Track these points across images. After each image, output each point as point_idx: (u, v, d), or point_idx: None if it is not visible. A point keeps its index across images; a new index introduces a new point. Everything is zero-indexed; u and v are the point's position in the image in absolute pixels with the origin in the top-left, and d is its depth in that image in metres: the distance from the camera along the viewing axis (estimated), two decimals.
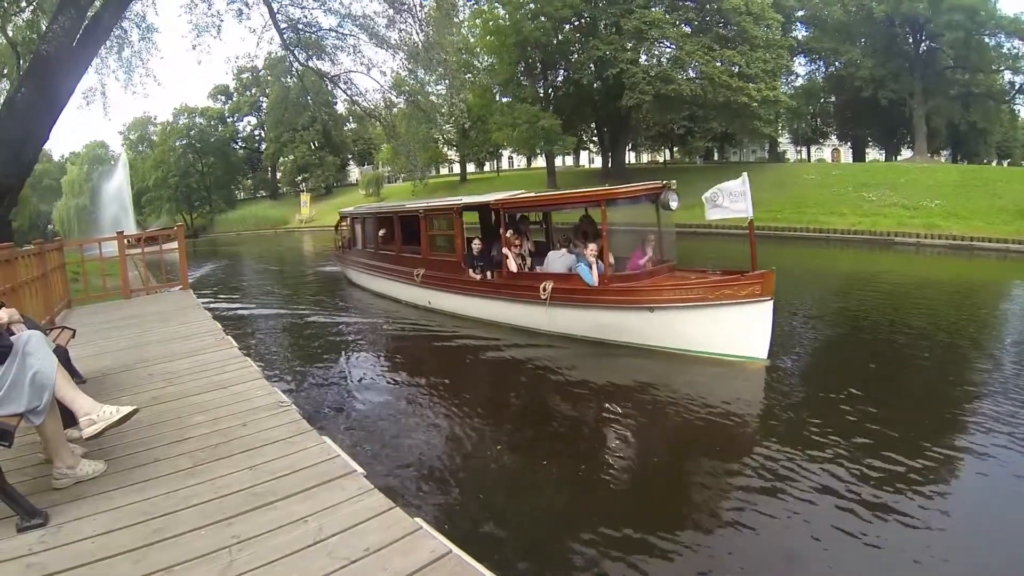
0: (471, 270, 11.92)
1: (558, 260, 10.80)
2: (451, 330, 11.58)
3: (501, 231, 11.55)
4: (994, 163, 51.91)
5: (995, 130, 49.73)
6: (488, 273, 11.75)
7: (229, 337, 7.81)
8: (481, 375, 9.37)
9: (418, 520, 3.24)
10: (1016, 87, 47.95)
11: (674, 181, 9.86)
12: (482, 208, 13.31)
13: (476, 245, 12.24)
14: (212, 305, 14.25)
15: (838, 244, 27.44)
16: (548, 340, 10.21)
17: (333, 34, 35.56)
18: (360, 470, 3.86)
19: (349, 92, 39.53)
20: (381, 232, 15.79)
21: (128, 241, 12.95)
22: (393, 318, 13.24)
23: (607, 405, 7.60)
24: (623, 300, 9.39)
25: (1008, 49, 45.59)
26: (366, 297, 16.14)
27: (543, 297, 10.08)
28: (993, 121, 47.84)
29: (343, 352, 10.85)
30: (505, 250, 11.18)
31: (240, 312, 15.34)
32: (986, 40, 44.26)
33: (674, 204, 9.78)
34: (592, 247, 9.86)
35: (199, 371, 6.21)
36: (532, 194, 12.59)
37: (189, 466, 3.99)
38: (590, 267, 9.73)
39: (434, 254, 13.31)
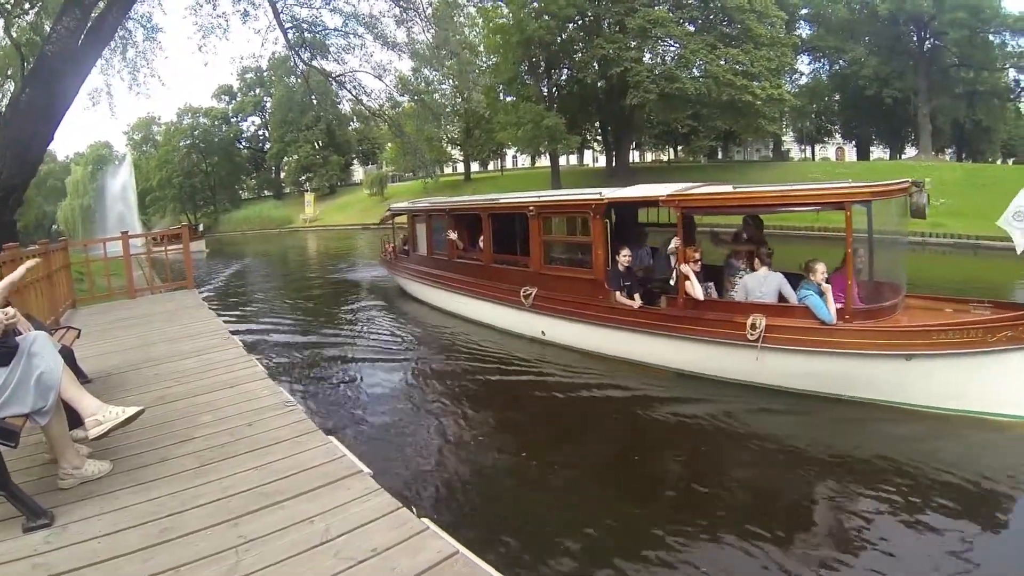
0: (618, 292, 8.98)
1: (764, 283, 7.92)
2: (583, 375, 8.62)
3: (678, 242, 8.39)
4: (999, 161, 51.54)
5: (1000, 128, 49.40)
6: (634, 295, 8.94)
7: (235, 337, 7.79)
8: (647, 441, 6.77)
9: (425, 520, 3.24)
10: (1021, 85, 47.97)
11: (928, 180, 7.83)
12: (624, 205, 9.97)
13: (625, 258, 9.19)
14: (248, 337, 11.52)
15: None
16: (750, 394, 7.55)
17: (338, 34, 35.92)
18: (367, 470, 3.86)
19: (354, 92, 39.96)
20: (460, 235, 12.72)
21: (155, 239, 13.66)
22: (484, 351, 10.16)
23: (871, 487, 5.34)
24: (870, 343, 6.86)
25: (1013, 47, 45.45)
26: (434, 317, 13.02)
27: (752, 337, 7.28)
28: (998, 119, 47.62)
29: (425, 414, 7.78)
30: (685, 268, 8.16)
31: (288, 350, 11.23)
32: (991, 38, 44.23)
33: (927, 209, 7.62)
34: (820, 269, 7.29)
35: (205, 370, 6.21)
36: (723, 189, 9.00)
37: (195, 466, 3.99)
38: (823, 296, 7.18)
39: (553, 268, 10.31)
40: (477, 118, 45.87)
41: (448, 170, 67.25)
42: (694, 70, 36.40)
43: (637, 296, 8.88)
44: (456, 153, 61.21)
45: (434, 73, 45.75)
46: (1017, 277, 16.12)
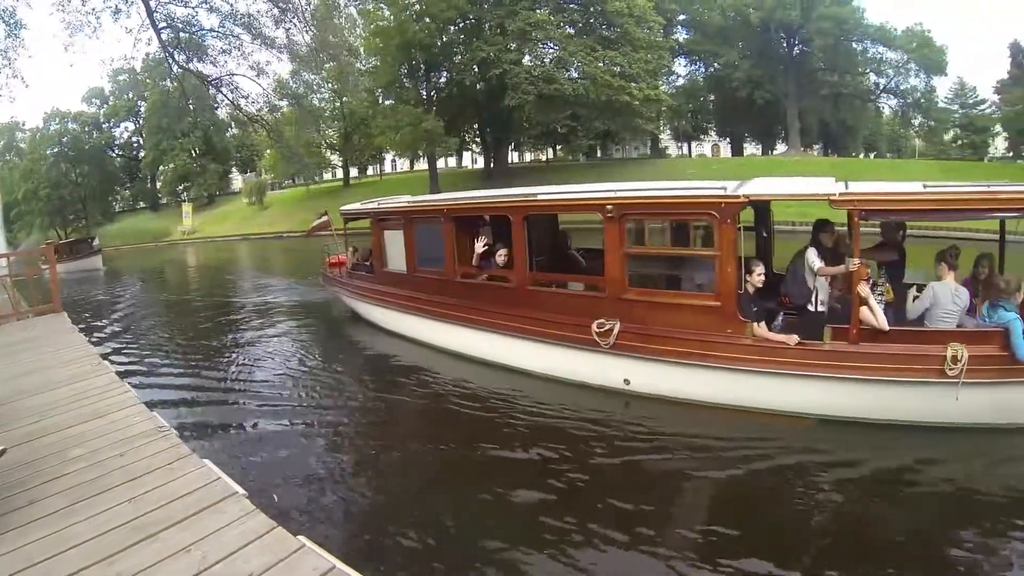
0: (755, 324, 6.77)
1: (957, 297, 6.35)
2: (704, 438, 6.37)
3: (855, 258, 6.30)
4: (861, 156, 55.53)
5: (862, 126, 53.75)
6: (763, 323, 6.89)
7: (106, 363, 7.69)
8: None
9: (301, 538, 3.35)
10: (880, 87, 51.65)
11: None
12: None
13: (759, 278, 7.00)
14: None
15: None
16: (939, 436, 6.11)
17: (214, 34, 33.73)
18: (242, 492, 3.91)
19: (232, 96, 37.77)
20: (475, 245, 9.48)
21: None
22: (523, 408, 7.45)
23: None
24: None
25: (873, 54, 49.64)
26: (416, 354, 9.93)
27: (952, 372, 5.79)
28: (860, 118, 51.76)
29: None
30: (864, 289, 6.22)
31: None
32: (854, 45, 47.92)
33: None
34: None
35: (75, 401, 6.06)
36: (906, 186, 6.69)
37: (66, 505, 3.91)
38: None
39: (646, 291, 7.61)
40: (356, 122, 44.61)
41: (327, 176, 65.23)
42: (573, 72, 36.78)
43: (762, 323, 6.86)
44: (335, 158, 59.36)
45: (313, 76, 44.42)
46: None
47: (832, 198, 6.34)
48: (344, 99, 43.76)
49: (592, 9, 38.42)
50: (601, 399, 7.49)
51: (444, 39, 40.56)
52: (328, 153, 56.66)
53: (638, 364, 7.36)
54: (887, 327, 6.18)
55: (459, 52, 40.02)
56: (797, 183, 7.50)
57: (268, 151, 53.49)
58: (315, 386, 8.71)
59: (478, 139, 49.81)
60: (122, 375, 7.34)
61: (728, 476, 5.61)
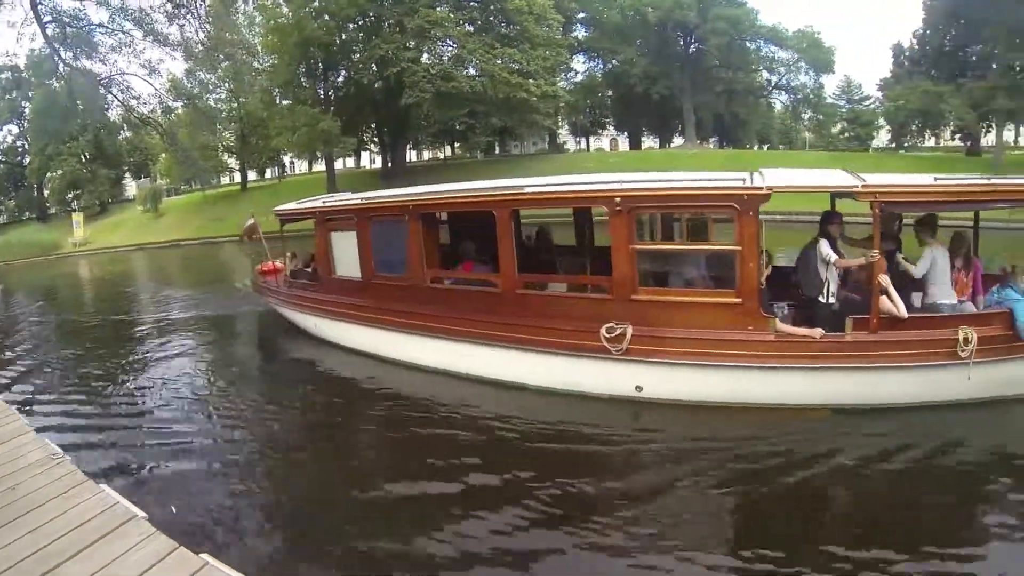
0: (778, 319, 6.75)
1: (945, 260, 6.89)
2: (721, 440, 6.25)
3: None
4: (755, 148, 58.47)
5: (755, 120, 56.66)
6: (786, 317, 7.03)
7: None
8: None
9: (204, 556, 3.34)
10: (772, 84, 54.89)
11: None
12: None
13: (765, 270, 7.01)
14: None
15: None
16: (950, 413, 6.51)
17: (104, 30, 31.86)
18: (142, 514, 3.89)
19: (123, 96, 35.84)
20: (426, 244, 8.73)
21: None
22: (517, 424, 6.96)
23: None
24: None
25: (766, 52, 52.98)
26: (385, 375, 9.00)
27: (963, 354, 6.19)
28: (753, 113, 54.77)
29: None
30: (885, 279, 6.48)
31: None
32: (747, 45, 50.78)
33: None
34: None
35: None
36: (923, 179, 6.80)
37: None
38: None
39: (658, 291, 7.25)
40: (253, 123, 43.27)
41: (225, 180, 62.97)
42: (471, 69, 36.89)
43: (782, 316, 6.93)
44: (232, 162, 57.36)
45: (209, 76, 42.77)
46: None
47: (856, 190, 6.46)
48: (241, 99, 42.30)
49: (492, 7, 38.70)
50: (608, 410, 7.06)
51: (343, 37, 39.93)
52: (225, 156, 54.63)
53: (652, 369, 6.98)
54: (906, 314, 6.43)
55: (358, 51, 39.58)
56: (816, 175, 7.79)
57: (163, 155, 51.07)
58: (221, 404, 8.28)
59: (376, 139, 49.30)
60: (10, 402, 7.11)
61: (760, 476, 5.54)
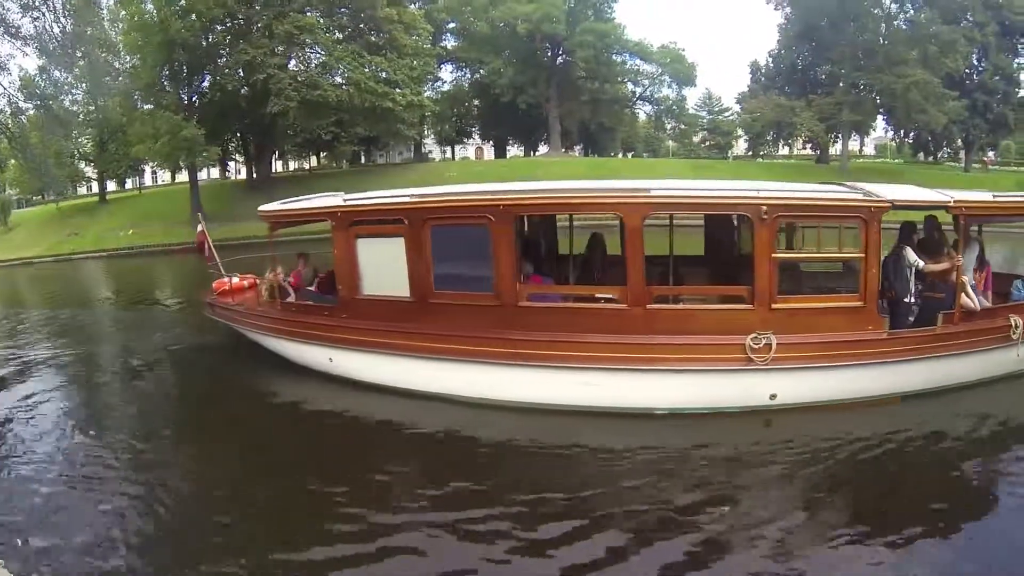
0: (886, 316, 7.57)
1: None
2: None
3: (958, 255, 7.79)
4: (620, 155, 61.89)
5: (620, 129, 59.94)
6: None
7: None
8: None
9: None
10: (636, 95, 58.50)
11: None
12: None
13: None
14: None
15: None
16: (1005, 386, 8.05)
17: None
18: None
19: None
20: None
21: None
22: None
23: None
24: None
25: (631, 66, 56.44)
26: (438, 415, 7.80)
27: (1015, 336, 7.59)
28: (618, 122, 57.90)
29: None
30: (965, 279, 7.77)
31: None
32: (614, 57, 53.69)
33: None
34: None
35: None
36: (985, 198, 8.30)
37: None
38: None
39: (792, 299, 7.42)
40: (112, 129, 41.18)
41: (82, 190, 59.40)
42: (337, 77, 37.00)
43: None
44: (89, 171, 54.28)
45: (65, 75, 40.16)
46: None
47: (949, 205, 7.47)
48: (100, 102, 40.11)
49: (363, 15, 38.92)
50: (740, 423, 7.13)
51: (210, 39, 38.79)
52: (82, 164, 51.51)
53: (788, 376, 7.13)
54: (979, 308, 7.72)
55: (224, 54, 38.66)
56: (917, 191, 8.41)
57: (12, 161, 47.49)
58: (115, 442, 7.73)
59: (241, 148, 48.29)
60: None
61: (909, 459, 6.46)
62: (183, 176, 48.79)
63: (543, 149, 58.46)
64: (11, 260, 37.14)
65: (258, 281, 10.90)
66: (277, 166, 58.69)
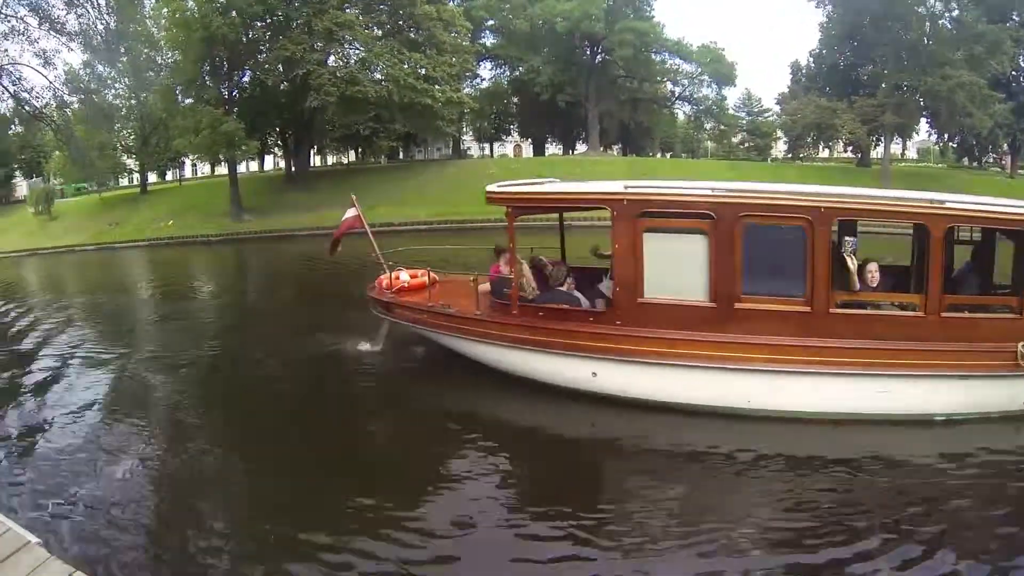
0: None
1: None
2: None
3: None
4: (658, 155, 61.26)
5: (658, 129, 59.26)
6: None
7: None
8: None
9: None
10: (675, 95, 57.63)
11: None
12: None
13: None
14: None
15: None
16: None
17: None
18: (35, 540, 3.69)
19: (14, 88, 33.75)
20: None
21: None
22: None
23: None
24: None
25: (670, 65, 55.50)
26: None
27: None
28: (656, 121, 57.33)
29: None
30: None
31: None
32: (653, 56, 52.90)
33: None
34: None
35: None
36: None
37: None
38: None
39: None
40: (154, 123, 41.84)
41: (123, 181, 60.51)
42: (376, 73, 37.00)
43: None
44: (131, 162, 55.27)
45: (108, 69, 40.97)
46: None
47: None
48: (142, 96, 40.75)
49: (401, 12, 39.00)
50: (1002, 427, 7.18)
51: (250, 35, 39.16)
52: (124, 156, 52.48)
53: None
54: None
55: (264, 50, 38.99)
56: None
57: (57, 153, 48.48)
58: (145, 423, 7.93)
59: (280, 142, 48.76)
60: None
61: None
62: (222, 169, 49.45)
63: (581, 148, 57.92)
64: (57, 247, 38.11)
65: (468, 279, 9.15)
66: (315, 160, 58.96)
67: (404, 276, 9.82)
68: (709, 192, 7.39)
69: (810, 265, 7.06)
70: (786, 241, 7.26)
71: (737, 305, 7.17)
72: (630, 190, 7.58)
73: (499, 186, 8.77)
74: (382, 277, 10.01)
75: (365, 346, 10.12)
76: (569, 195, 8.69)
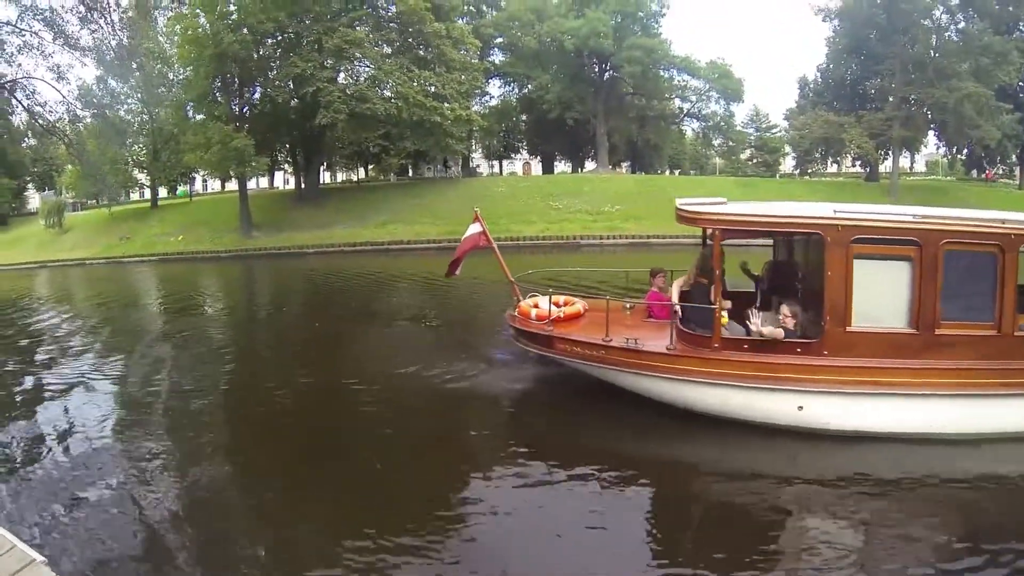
0: None
1: None
2: None
3: None
4: (666, 173, 61.10)
5: (666, 146, 59.10)
6: None
7: None
8: None
9: None
10: (684, 112, 57.50)
11: None
12: None
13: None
14: None
15: (529, 250, 29.53)
16: None
17: (9, 29, 30.32)
18: (40, 558, 3.65)
19: (27, 102, 34.13)
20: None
21: None
22: None
23: None
24: None
25: (678, 81, 55.39)
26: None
27: None
28: (665, 139, 57.09)
29: None
30: None
31: None
32: (661, 73, 52.86)
33: None
34: None
35: None
36: None
37: None
38: None
39: None
40: (165, 138, 42.19)
41: (134, 196, 60.93)
42: (386, 91, 37.23)
43: None
44: (142, 177, 55.66)
45: (121, 85, 41.49)
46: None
47: None
48: (154, 111, 41.15)
49: (411, 30, 39.22)
50: None
51: (261, 52, 39.52)
52: (135, 171, 52.88)
53: None
54: None
55: (274, 67, 39.31)
56: None
57: (69, 166, 48.92)
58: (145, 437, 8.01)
59: (290, 159, 48.94)
60: None
61: None
62: (232, 185, 49.69)
63: (590, 165, 57.97)
64: (66, 260, 38.39)
65: (591, 308, 8.87)
66: (325, 177, 59.19)
67: (544, 303, 8.96)
68: (912, 218, 7.45)
69: (999, 289, 7.20)
70: (978, 267, 7.33)
71: (937, 332, 7.25)
72: (840, 215, 7.49)
73: (685, 203, 8.22)
74: (523, 305, 9.24)
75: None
76: (781, 219, 8.18)
